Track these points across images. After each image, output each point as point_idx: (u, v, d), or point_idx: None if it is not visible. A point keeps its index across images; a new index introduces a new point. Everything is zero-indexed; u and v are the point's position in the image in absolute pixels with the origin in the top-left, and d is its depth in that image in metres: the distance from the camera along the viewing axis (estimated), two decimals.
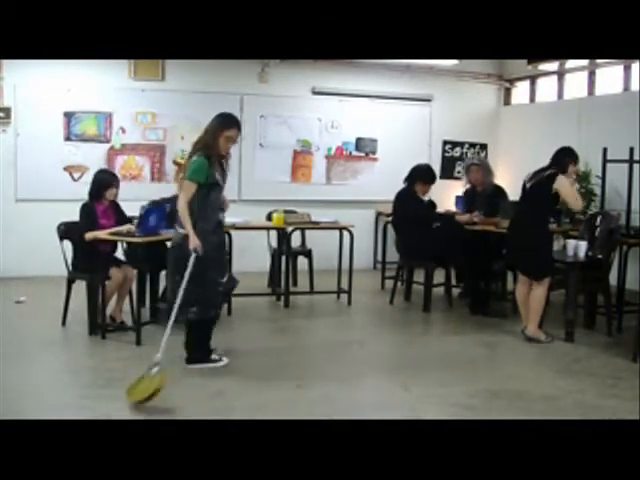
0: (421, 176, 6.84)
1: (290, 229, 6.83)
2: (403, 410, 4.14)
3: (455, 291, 7.24)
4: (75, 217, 5.66)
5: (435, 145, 9.35)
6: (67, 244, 5.73)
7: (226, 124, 4.67)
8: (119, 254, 6.03)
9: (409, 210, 6.73)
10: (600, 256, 5.84)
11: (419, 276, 6.95)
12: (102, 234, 5.52)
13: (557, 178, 5.49)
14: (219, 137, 4.62)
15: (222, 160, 4.73)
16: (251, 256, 7.50)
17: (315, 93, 8.82)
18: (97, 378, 4.60)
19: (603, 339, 5.79)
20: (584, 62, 8.14)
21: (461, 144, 9.51)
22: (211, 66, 7.92)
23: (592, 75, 8.27)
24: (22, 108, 7.68)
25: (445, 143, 9.44)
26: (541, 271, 5.63)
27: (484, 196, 6.89)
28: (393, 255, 7.67)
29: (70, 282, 5.75)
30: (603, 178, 6.88)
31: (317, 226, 7.01)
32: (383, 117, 9.02)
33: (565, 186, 5.53)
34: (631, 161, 6.54)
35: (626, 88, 7.77)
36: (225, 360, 4.85)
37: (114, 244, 5.82)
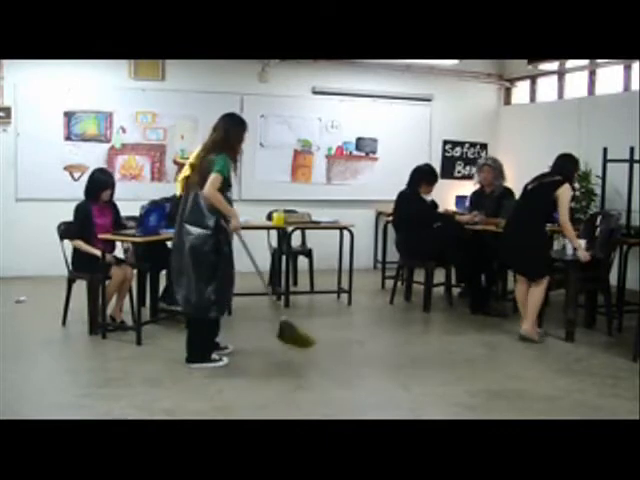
0: (425, 177, 6.83)
1: (290, 229, 6.83)
2: (403, 410, 4.14)
3: (455, 291, 7.25)
4: None
5: (435, 145, 9.36)
6: (67, 244, 5.72)
7: (244, 126, 4.74)
8: (118, 254, 6.03)
9: (413, 210, 6.73)
10: (600, 256, 5.84)
11: (419, 276, 6.95)
12: (85, 247, 5.53)
13: (563, 186, 5.50)
14: (242, 140, 4.70)
15: (236, 162, 4.78)
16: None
17: (315, 93, 8.82)
18: (97, 378, 4.61)
19: (603, 339, 5.79)
20: (584, 62, 8.14)
21: (461, 144, 9.51)
22: (211, 66, 7.92)
23: (592, 75, 8.27)
24: (22, 108, 7.69)
25: (445, 143, 9.44)
26: (537, 272, 5.63)
27: (492, 197, 6.89)
28: (393, 255, 7.67)
29: (70, 282, 5.75)
30: (603, 178, 6.88)
31: (317, 226, 7.02)
32: (383, 117, 9.02)
33: (567, 197, 5.55)
34: (631, 161, 6.54)
35: (626, 88, 7.77)
36: (225, 360, 4.86)
37: (112, 244, 5.82)
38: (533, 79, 9.25)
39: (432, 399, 4.34)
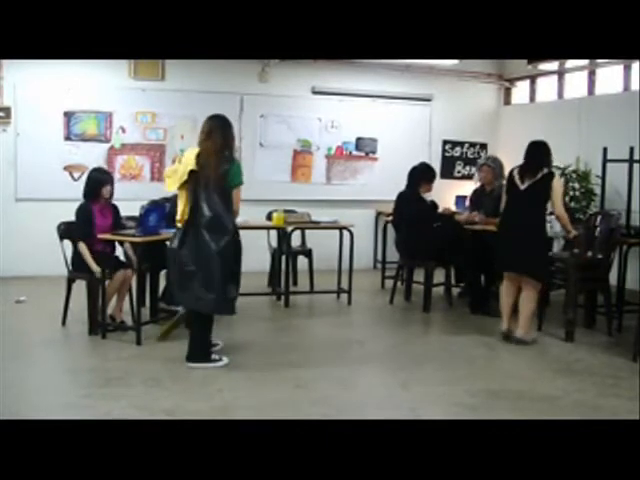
0: (424, 176, 6.85)
1: (290, 229, 6.83)
2: (403, 409, 4.14)
3: (455, 291, 7.26)
4: None
5: (435, 145, 9.36)
6: (67, 243, 5.73)
7: (231, 125, 4.81)
8: (119, 254, 6.04)
9: (413, 210, 6.73)
10: (600, 256, 5.85)
11: (419, 276, 6.95)
12: (87, 254, 5.52)
13: (555, 179, 5.51)
14: (234, 137, 4.85)
15: None
16: (251, 256, 7.49)
17: (315, 93, 8.82)
18: (97, 378, 4.60)
19: (603, 339, 5.79)
20: (584, 62, 8.14)
21: (461, 144, 9.51)
22: (211, 66, 7.93)
23: (592, 75, 8.27)
24: (22, 108, 7.68)
25: (445, 143, 9.44)
26: (544, 272, 5.59)
27: (491, 197, 6.89)
28: (393, 255, 7.67)
29: (70, 282, 5.75)
30: (603, 178, 6.88)
31: (317, 226, 7.02)
32: (383, 117, 9.02)
33: (561, 189, 5.57)
34: (631, 161, 6.54)
35: (626, 88, 7.77)
36: (225, 360, 4.86)
37: (113, 244, 5.82)
38: (533, 79, 9.26)
39: (432, 399, 4.35)
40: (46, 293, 6.80)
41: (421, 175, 6.85)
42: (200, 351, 4.82)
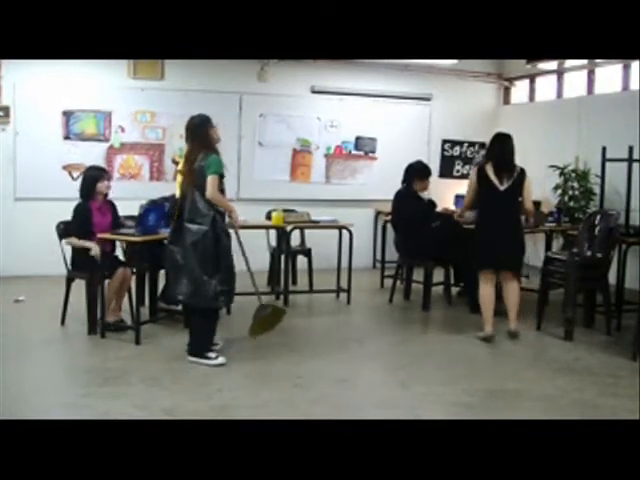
0: (417, 173, 6.87)
1: (289, 228, 6.84)
2: (402, 409, 4.15)
3: (454, 290, 7.26)
4: None
5: (434, 144, 9.35)
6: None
7: (207, 121, 4.91)
8: (119, 254, 6.04)
9: (409, 209, 6.74)
10: (599, 255, 5.85)
11: (418, 275, 6.95)
12: (78, 242, 5.55)
13: (527, 177, 5.66)
14: (209, 134, 4.88)
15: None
16: (250, 255, 7.50)
17: (314, 92, 8.81)
18: (96, 377, 4.60)
19: (602, 338, 5.79)
20: (583, 61, 8.14)
21: (460, 143, 9.51)
22: (210, 65, 7.92)
23: (591, 74, 8.27)
24: (21, 107, 7.68)
25: (444, 142, 9.44)
26: (522, 263, 5.93)
27: None
28: (392, 254, 7.67)
29: (69, 281, 5.75)
30: (602, 177, 6.88)
31: (316, 225, 7.03)
32: (382, 116, 9.02)
33: (530, 185, 5.70)
34: (630, 160, 6.54)
35: (625, 87, 7.77)
36: (221, 359, 4.86)
37: (113, 243, 5.82)
38: (532, 78, 9.26)
39: (431, 398, 4.35)
40: (45, 292, 6.80)
41: (413, 172, 6.87)
42: (197, 345, 4.88)
